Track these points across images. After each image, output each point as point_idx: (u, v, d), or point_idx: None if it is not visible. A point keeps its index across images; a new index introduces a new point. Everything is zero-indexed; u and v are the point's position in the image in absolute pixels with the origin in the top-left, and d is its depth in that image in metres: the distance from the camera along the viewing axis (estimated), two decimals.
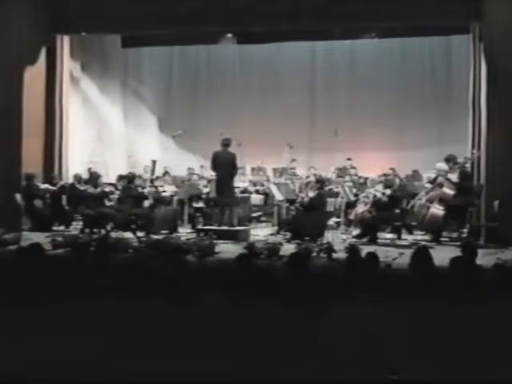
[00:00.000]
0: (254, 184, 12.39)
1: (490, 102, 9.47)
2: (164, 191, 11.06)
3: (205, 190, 11.20)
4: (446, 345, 3.27)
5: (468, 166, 9.71)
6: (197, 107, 14.41)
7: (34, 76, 11.00)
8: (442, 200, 9.14)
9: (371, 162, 12.70)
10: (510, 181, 9.03)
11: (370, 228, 9.47)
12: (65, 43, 12.00)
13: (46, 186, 10.95)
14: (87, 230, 9.86)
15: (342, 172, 12.14)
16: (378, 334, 3.37)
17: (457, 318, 3.52)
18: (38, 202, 10.72)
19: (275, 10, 10.40)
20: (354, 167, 12.15)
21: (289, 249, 7.28)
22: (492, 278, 4.59)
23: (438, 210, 9.12)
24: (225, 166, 9.72)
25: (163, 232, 9.73)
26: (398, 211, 9.56)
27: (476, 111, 9.98)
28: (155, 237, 8.69)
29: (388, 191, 9.44)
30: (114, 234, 8.91)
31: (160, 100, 14.78)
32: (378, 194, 9.49)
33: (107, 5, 10.85)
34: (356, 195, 10.62)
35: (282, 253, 7.32)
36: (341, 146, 12.28)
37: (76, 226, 10.56)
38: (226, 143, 9.77)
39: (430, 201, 9.27)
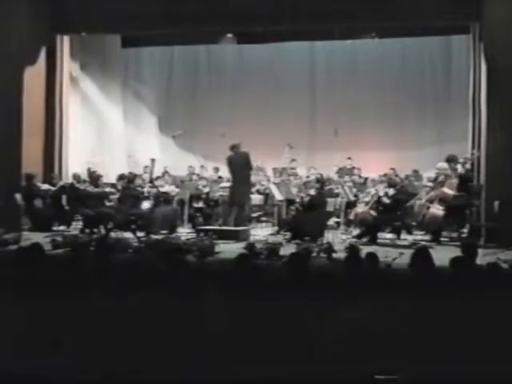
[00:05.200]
0: (254, 184, 12.37)
1: (490, 102, 9.46)
2: (164, 192, 11.04)
3: (205, 190, 11.22)
4: (446, 345, 3.27)
5: (468, 166, 9.70)
6: (197, 107, 14.40)
7: (34, 76, 11.00)
8: (442, 200, 9.14)
9: (371, 161, 12.70)
10: (510, 181, 9.03)
11: (370, 228, 9.47)
12: (65, 43, 12.00)
13: (46, 185, 10.95)
14: (87, 230, 9.86)
15: (343, 171, 12.15)
16: (378, 334, 3.37)
17: (456, 318, 3.52)
18: (38, 202, 10.72)
19: (275, 10, 10.40)
20: (357, 168, 12.15)
21: (289, 249, 7.28)
22: (486, 277, 4.59)
23: (437, 210, 9.12)
24: (240, 167, 9.95)
25: (163, 232, 9.73)
26: (399, 212, 9.56)
27: (476, 111, 9.98)
28: (155, 237, 8.70)
29: (391, 191, 9.42)
30: (113, 234, 8.91)
31: (160, 100, 14.77)
32: (381, 193, 9.47)
33: (107, 5, 10.85)
34: (356, 195, 10.62)
35: (281, 253, 7.32)
36: (341, 145, 12.27)
37: (76, 226, 10.56)
38: (234, 146, 9.95)
39: (430, 201, 9.27)
